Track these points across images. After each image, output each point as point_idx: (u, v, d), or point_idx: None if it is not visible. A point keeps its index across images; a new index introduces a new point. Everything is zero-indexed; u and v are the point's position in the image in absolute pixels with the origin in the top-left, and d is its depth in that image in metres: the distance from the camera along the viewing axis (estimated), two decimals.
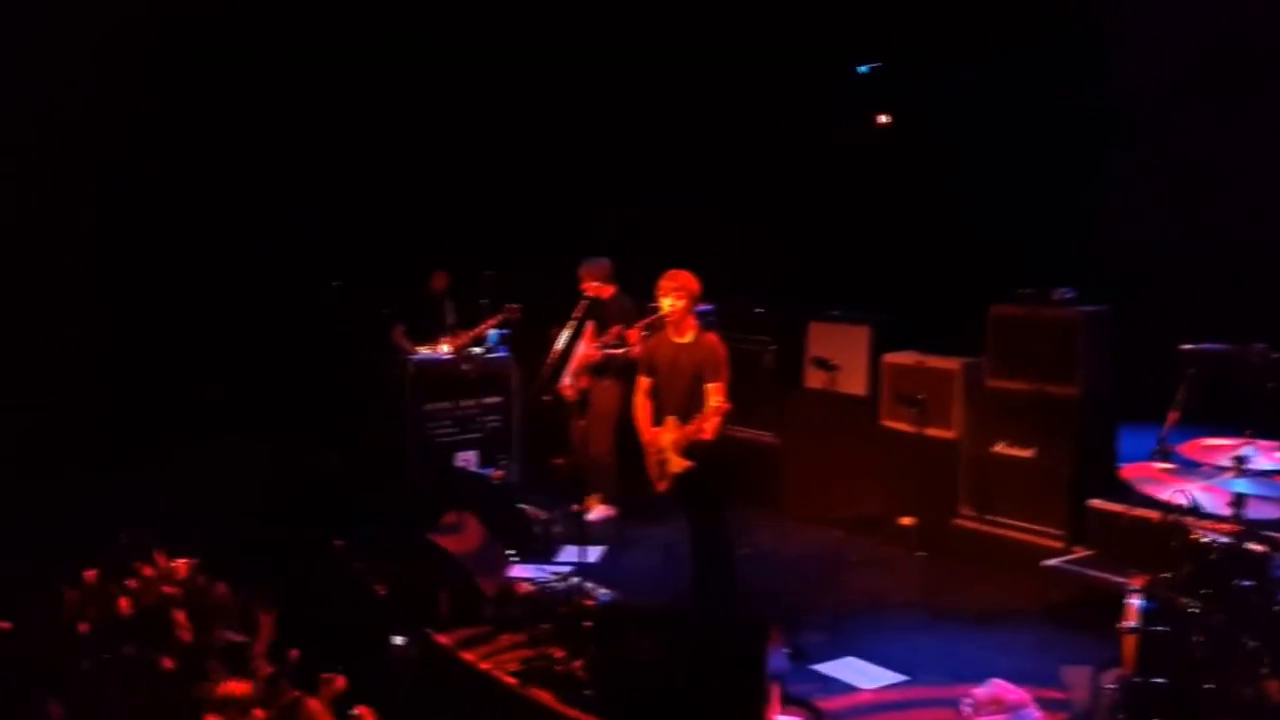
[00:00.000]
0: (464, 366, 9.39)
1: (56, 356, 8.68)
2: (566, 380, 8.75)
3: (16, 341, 8.39)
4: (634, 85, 10.04)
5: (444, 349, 9.45)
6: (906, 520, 8.10)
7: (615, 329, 8.05)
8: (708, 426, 6.65)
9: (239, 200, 9.41)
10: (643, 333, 7.49)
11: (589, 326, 8.66)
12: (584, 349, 8.74)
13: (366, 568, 7.27)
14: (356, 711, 5.24)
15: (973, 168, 8.60)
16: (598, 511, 8.81)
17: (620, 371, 8.43)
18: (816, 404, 9.01)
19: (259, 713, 4.92)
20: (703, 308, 7.04)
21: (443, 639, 6.49)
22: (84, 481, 8.04)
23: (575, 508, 8.18)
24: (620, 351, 8.33)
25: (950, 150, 8.77)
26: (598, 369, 8.74)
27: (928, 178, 8.98)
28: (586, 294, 8.55)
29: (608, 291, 8.65)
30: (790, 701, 5.79)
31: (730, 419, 7.00)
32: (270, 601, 5.86)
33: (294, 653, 4.82)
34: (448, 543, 6.87)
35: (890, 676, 6.23)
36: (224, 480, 8.40)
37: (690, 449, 6.73)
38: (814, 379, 9.05)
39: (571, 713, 5.75)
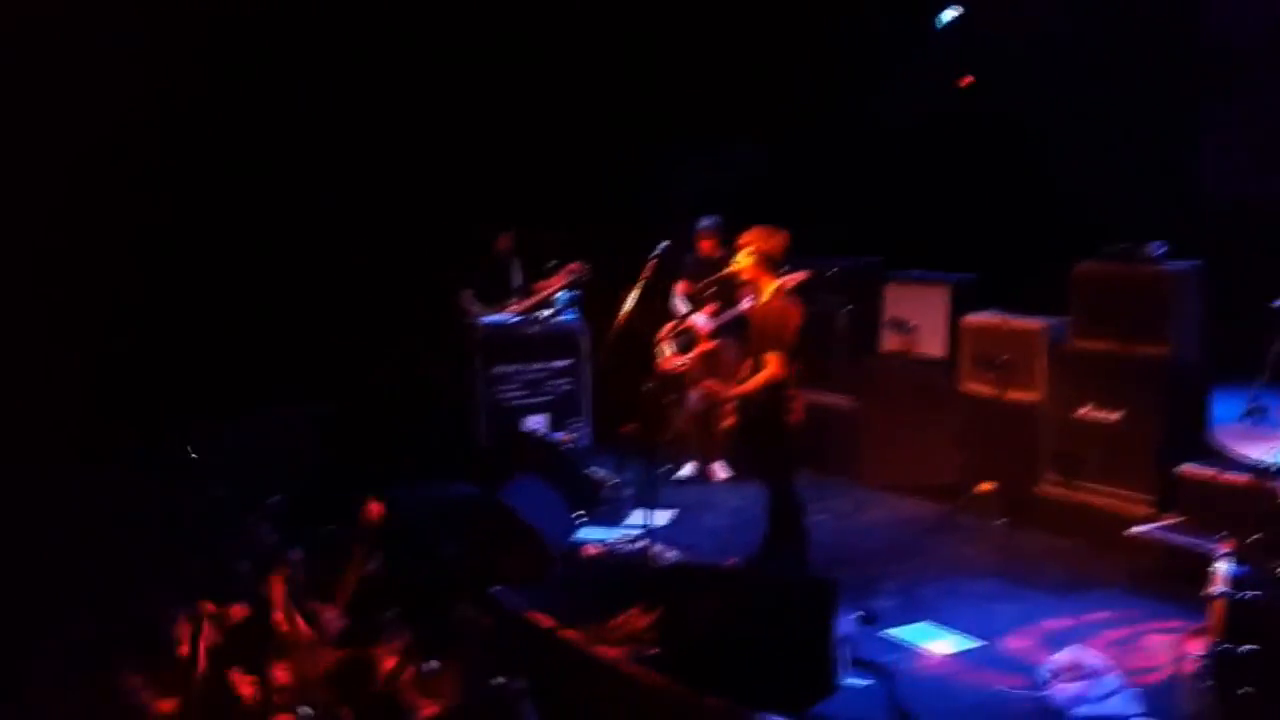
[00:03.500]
0: (532, 329, 9.33)
1: (125, 323, 8.78)
2: (668, 355, 8.65)
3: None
4: (707, 39, 9.83)
5: (511, 312, 9.38)
6: (986, 486, 7.87)
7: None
8: (744, 384, 6.53)
9: (310, 163, 9.40)
10: (709, 290, 7.38)
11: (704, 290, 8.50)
12: (681, 311, 8.66)
13: (436, 529, 7.31)
14: (433, 664, 5.26)
15: (1058, 119, 8.29)
16: (722, 471, 8.79)
17: (736, 329, 8.28)
18: (893, 367, 8.79)
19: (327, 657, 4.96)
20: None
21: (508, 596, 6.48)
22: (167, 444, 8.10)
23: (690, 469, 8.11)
24: (737, 311, 8.17)
25: (1033, 101, 8.46)
26: (694, 336, 8.59)
27: (1010, 129, 8.68)
28: (702, 254, 8.46)
29: (721, 253, 8.51)
30: (860, 664, 5.64)
31: (804, 381, 6.84)
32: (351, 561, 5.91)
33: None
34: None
35: (965, 642, 6.03)
36: (299, 443, 8.50)
37: (741, 408, 6.61)
38: (891, 341, 8.84)
39: (637, 671, 5.68)
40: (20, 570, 6.05)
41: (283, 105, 9.28)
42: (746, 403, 6.59)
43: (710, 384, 7.02)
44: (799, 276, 7.98)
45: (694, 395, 8.81)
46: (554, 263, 9.41)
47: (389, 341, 9.54)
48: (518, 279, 9.55)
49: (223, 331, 8.97)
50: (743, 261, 6.64)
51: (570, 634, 6.05)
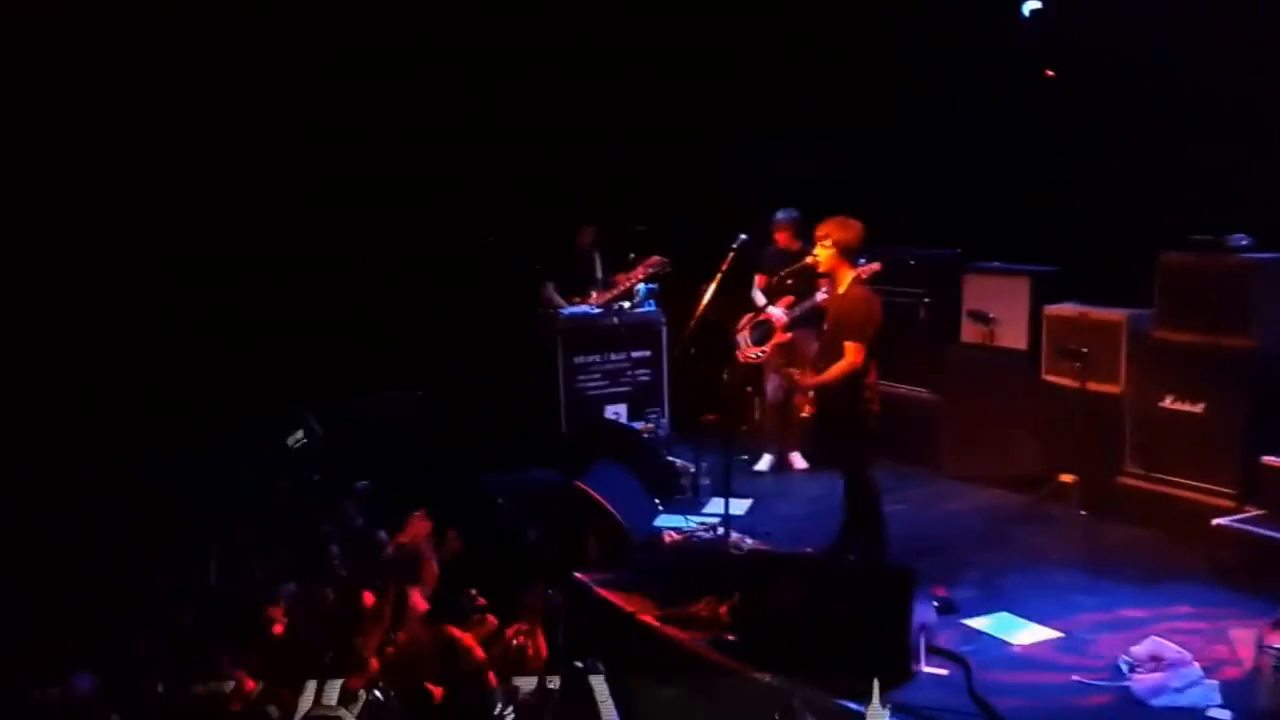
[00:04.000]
0: (613, 321, 9.49)
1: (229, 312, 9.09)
2: (746, 346, 8.74)
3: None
4: (786, 32, 9.86)
5: (592, 304, 9.54)
6: (1067, 478, 7.84)
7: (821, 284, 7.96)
8: (823, 374, 6.57)
9: (397, 156, 9.63)
10: (786, 281, 7.44)
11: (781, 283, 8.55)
12: (760, 303, 8.73)
13: (518, 513, 7.49)
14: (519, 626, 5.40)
15: (1141, 108, 8.18)
16: (800, 461, 8.88)
17: (814, 321, 8.32)
18: (973, 358, 8.78)
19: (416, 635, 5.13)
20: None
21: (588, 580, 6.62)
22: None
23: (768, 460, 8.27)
24: (813, 303, 8.22)
25: (1116, 90, 8.36)
26: (770, 328, 8.66)
27: (1092, 118, 8.59)
28: (779, 246, 8.54)
29: (798, 245, 8.56)
30: (937, 652, 5.69)
31: (883, 372, 6.88)
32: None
33: None
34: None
35: (1044, 633, 6.03)
36: (390, 429, 8.75)
37: (819, 398, 6.65)
38: (971, 333, 8.82)
39: (714, 656, 5.78)
40: (125, 553, 6.31)
41: (382, 95, 9.51)
42: (824, 392, 6.65)
43: (790, 373, 7.07)
44: (875, 267, 8.00)
45: (772, 386, 8.89)
46: (634, 256, 9.56)
47: (476, 332, 9.77)
48: (599, 272, 9.71)
49: (319, 323, 9.24)
50: (820, 253, 6.69)
51: (648, 618, 6.18)
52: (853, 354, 6.48)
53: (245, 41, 9.01)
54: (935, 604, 6.09)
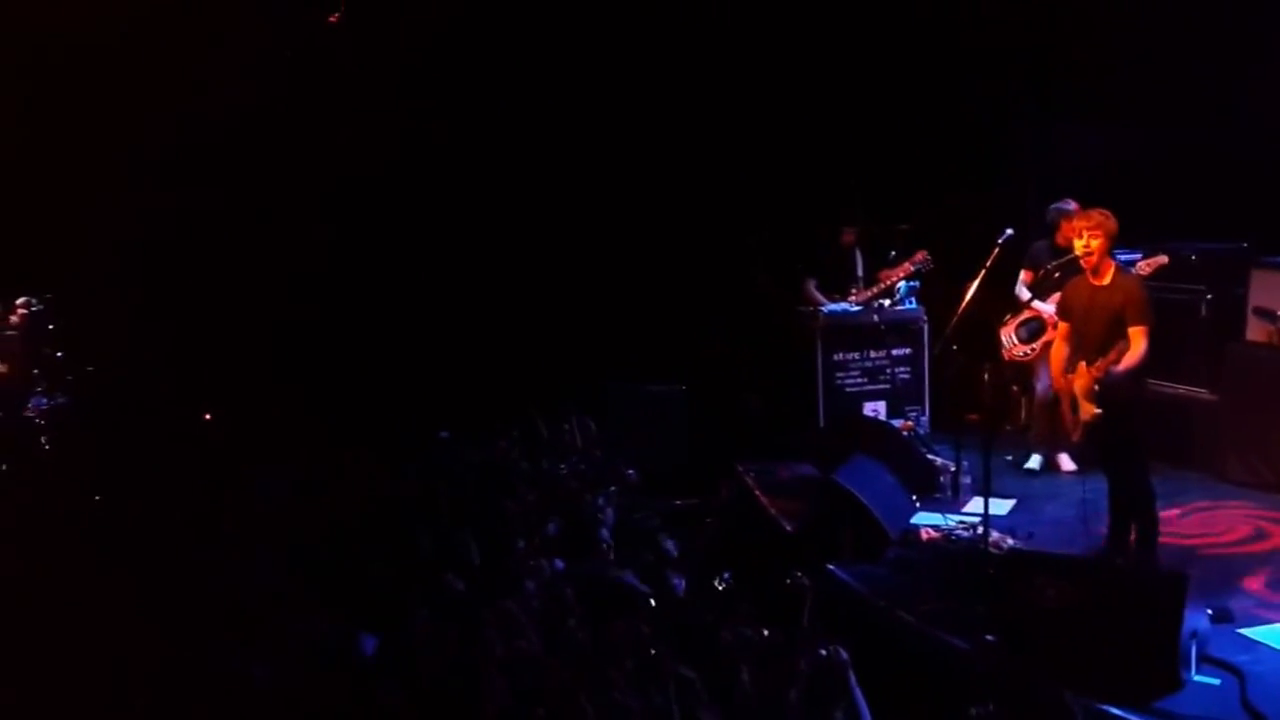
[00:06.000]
0: (873, 318, 9.48)
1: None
2: (1013, 345, 8.58)
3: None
4: (1055, 21, 9.54)
5: (853, 301, 9.56)
6: None
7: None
8: (1119, 359, 6.30)
9: (667, 160, 9.96)
10: (1054, 275, 7.23)
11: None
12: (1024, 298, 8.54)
13: (776, 504, 7.60)
14: None
15: None
16: (1069, 462, 8.62)
17: None
18: (1260, 358, 8.26)
19: None
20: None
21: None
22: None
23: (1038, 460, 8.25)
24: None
25: None
26: (1041, 324, 8.45)
27: None
28: (1060, 238, 8.30)
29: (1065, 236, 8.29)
30: (1209, 661, 5.43)
31: (1159, 373, 6.61)
32: None
33: None
34: None
35: None
36: (652, 420, 9.10)
37: (1102, 395, 6.40)
38: (1257, 331, 8.33)
39: (971, 653, 5.71)
40: (406, 530, 6.79)
41: (654, 104, 9.88)
42: (1108, 384, 6.41)
43: (1096, 368, 6.64)
44: (1161, 261, 7.68)
45: (1041, 385, 8.62)
46: (896, 254, 9.51)
47: (739, 329, 9.96)
48: (860, 269, 9.70)
49: (595, 318, 9.71)
50: (1094, 243, 6.49)
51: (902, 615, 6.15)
52: (1143, 340, 6.29)
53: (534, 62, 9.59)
54: (1209, 612, 5.80)
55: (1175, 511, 7.39)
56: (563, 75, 9.99)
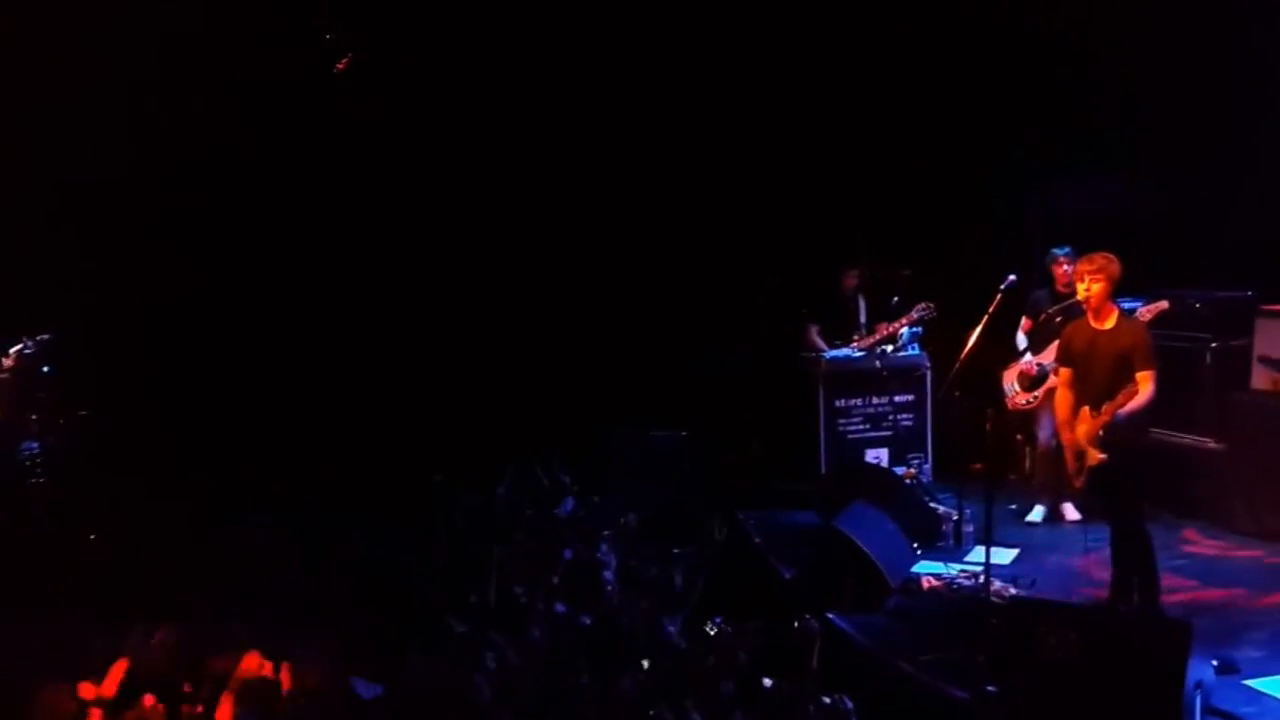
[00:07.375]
0: (876, 364, 9.44)
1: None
2: (1015, 393, 8.53)
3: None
4: (1052, 68, 9.58)
5: (855, 347, 9.52)
6: None
7: None
8: (1125, 402, 6.25)
9: (671, 204, 9.97)
10: (1056, 320, 7.20)
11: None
12: (1021, 347, 8.50)
13: (774, 551, 7.51)
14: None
15: None
16: (1073, 512, 8.54)
17: None
18: (1265, 407, 8.19)
19: None
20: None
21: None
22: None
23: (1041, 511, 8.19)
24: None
25: None
26: (1044, 372, 8.40)
27: None
28: (1058, 284, 8.28)
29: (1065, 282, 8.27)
30: (1214, 713, 5.33)
31: (1163, 421, 6.56)
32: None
33: None
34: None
35: None
36: (652, 466, 9.01)
37: (1107, 441, 6.34)
38: (1262, 379, 8.26)
39: (975, 706, 5.61)
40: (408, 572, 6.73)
41: (662, 150, 9.91)
42: (1113, 428, 6.34)
43: (1102, 415, 6.57)
44: (1162, 306, 7.63)
45: (1044, 433, 8.56)
46: (898, 300, 9.50)
47: (741, 374, 9.92)
48: (863, 315, 9.68)
49: (595, 364, 9.68)
50: (1094, 288, 6.47)
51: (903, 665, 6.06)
52: (1150, 384, 6.26)
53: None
54: (1215, 663, 5.71)
55: (1182, 561, 7.29)
56: (568, 116, 10.00)
